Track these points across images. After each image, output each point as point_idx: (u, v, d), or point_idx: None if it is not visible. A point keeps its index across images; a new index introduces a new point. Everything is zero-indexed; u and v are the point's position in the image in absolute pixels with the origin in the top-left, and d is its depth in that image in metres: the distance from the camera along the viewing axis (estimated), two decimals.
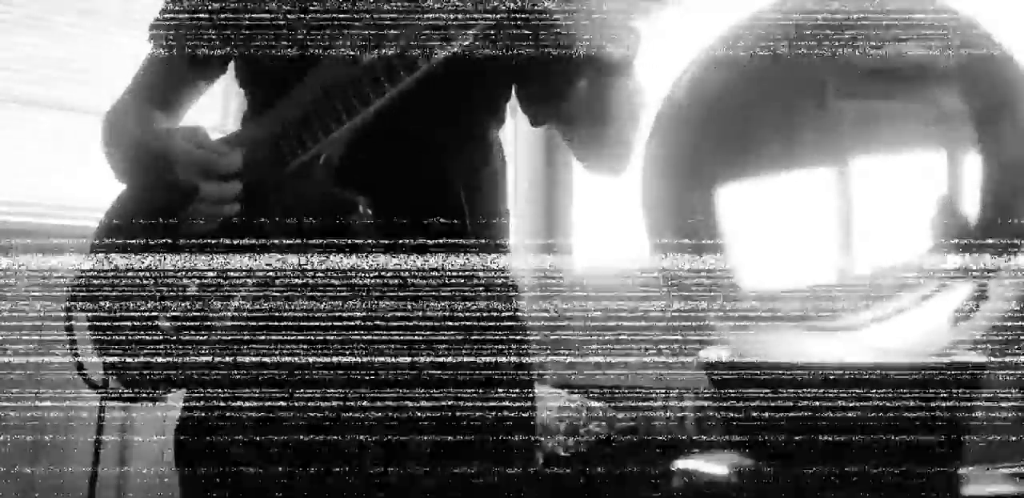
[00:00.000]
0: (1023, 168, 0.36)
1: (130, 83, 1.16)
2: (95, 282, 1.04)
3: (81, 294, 1.04)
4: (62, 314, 1.08)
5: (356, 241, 0.97)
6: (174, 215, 0.93)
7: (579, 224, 3.60)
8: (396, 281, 1.04)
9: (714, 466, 0.38)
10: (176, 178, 0.90)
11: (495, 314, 1.02)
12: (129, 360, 1.01)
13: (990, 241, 0.35)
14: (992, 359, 0.38)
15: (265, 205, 0.96)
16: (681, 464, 0.38)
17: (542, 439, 2.67)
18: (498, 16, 0.90)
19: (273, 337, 1.00)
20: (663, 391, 3.21)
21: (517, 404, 1.05)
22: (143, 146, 0.95)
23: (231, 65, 1.15)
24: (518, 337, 1.10)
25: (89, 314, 1.03)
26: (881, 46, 0.37)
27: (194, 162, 0.93)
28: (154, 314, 0.97)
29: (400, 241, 1.02)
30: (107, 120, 1.13)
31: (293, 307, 1.02)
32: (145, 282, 1.01)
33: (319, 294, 1.02)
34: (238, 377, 1.01)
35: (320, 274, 1.01)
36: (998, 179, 0.35)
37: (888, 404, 0.36)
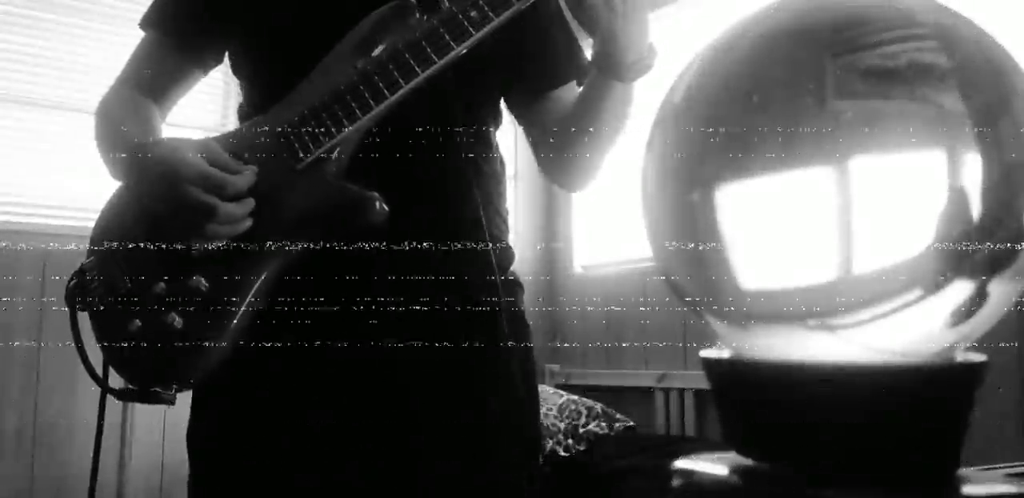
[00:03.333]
0: (1023, 167, 0.36)
1: (122, 71, 1.14)
2: (96, 281, 1.04)
3: (82, 291, 1.03)
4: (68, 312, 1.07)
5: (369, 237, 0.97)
6: (189, 234, 0.91)
7: (579, 224, 3.62)
8: (406, 277, 1.04)
9: (714, 466, 0.38)
10: (191, 199, 0.89)
11: (503, 310, 1.03)
12: (140, 359, 1.00)
13: (990, 241, 0.35)
14: (991, 359, 0.38)
15: (277, 203, 0.96)
16: (681, 464, 0.38)
17: (543, 439, 2.68)
18: (512, 11, 0.90)
19: (285, 334, 1.00)
20: (663, 391, 3.23)
21: (524, 400, 1.05)
22: (152, 160, 0.94)
23: (226, 55, 1.13)
24: (523, 335, 1.11)
25: (93, 311, 1.02)
26: (881, 46, 0.37)
27: (210, 182, 0.92)
28: (163, 311, 0.96)
29: (411, 238, 1.01)
30: (99, 114, 1.11)
31: (304, 303, 1.01)
32: (152, 281, 0.99)
33: (330, 290, 1.02)
34: (252, 373, 1.01)
35: (331, 270, 1.01)
36: (998, 178, 0.35)
37: (887, 404, 0.36)
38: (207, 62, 1.14)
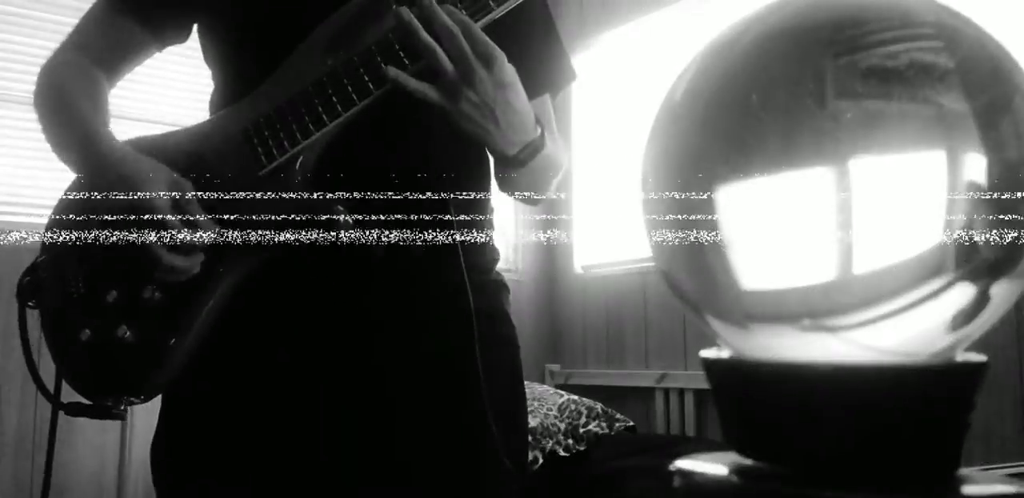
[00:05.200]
0: None
1: (74, 35, 1.08)
2: (49, 280, 0.98)
3: (34, 291, 0.97)
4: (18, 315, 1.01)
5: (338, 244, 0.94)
6: (136, 268, 0.87)
7: (579, 224, 3.62)
8: (378, 278, 1.01)
9: (714, 466, 0.38)
10: (141, 241, 0.85)
11: (481, 311, 1.00)
12: (89, 371, 0.95)
13: (991, 241, 0.35)
14: (992, 359, 0.38)
15: (238, 211, 0.92)
16: (681, 464, 0.38)
17: (540, 439, 2.68)
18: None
19: (248, 342, 0.96)
20: (663, 391, 3.23)
21: (508, 403, 1.03)
22: (120, 181, 0.89)
23: (194, 37, 1.08)
24: (507, 335, 1.08)
25: (44, 315, 0.97)
26: (881, 46, 0.37)
27: (167, 228, 0.87)
28: (114, 323, 0.92)
29: (380, 241, 0.99)
30: (49, 83, 1.04)
31: (273, 310, 0.98)
32: (105, 288, 0.94)
33: (301, 296, 0.99)
34: (209, 388, 0.97)
35: (294, 275, 0.98)
36: (999, 178, 0.35)
37: (887, 404, 0.36)
38: (166, 36, 1.08)
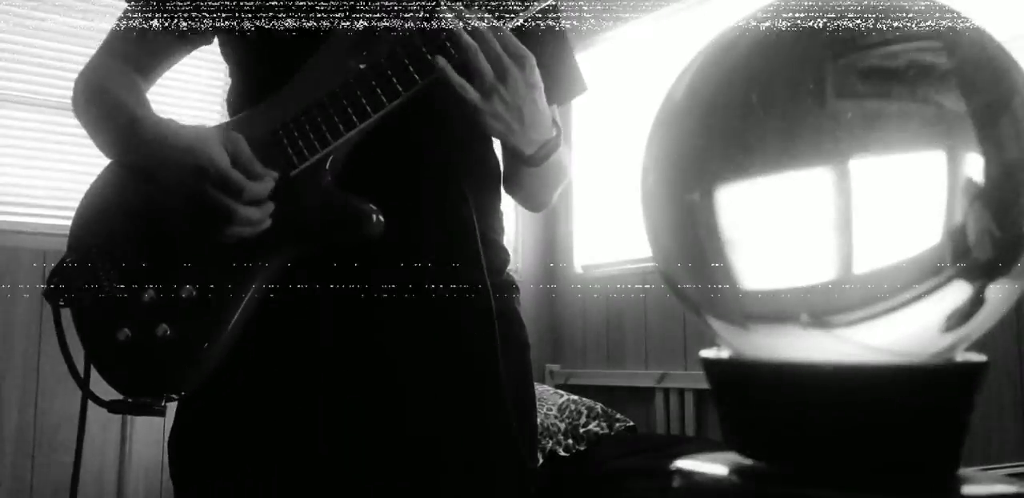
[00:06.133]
0: (1023, 167, 0.36)
1: (105, 44, 1.10)
2: (80, 280, 0.99)
3: (65, 290, 0.99)
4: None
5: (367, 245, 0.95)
6: (203, 232, 0.88)
7: (579, 224, 3.61)
8: (399, 280, 1.02)
9: (714, 466, 0.38)
10: (210, 199, 0.86)
11: (496, 312, 1.01)
12: (128, 369, 0.96)
13: (991, 241, 0.35)
14: (992, 359, 0.38)
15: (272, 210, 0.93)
16: (681, 464, 0.38)
17: (540, 439, 2.68)
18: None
19: (270, 335, 0.98)
20: (663, 391, 3.22)
21: (517, 399, 1.04)
22: (174, 148, 0.90)
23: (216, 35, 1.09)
24: (517, 335, 1.09)
25: (77, 315, 0.98)
26: (881, 46, 0.37)
27: (229, 186, 0.89)
28: (152, 321, 0.93)
29: (407, 242, 0.99)
30: (91, 85, 1.06)
31: (299, 310, 0.99)
32: (140, 288, 0.96)
33: (322, 295, 0.99)
34: (241, 385, 0.98)
35: (322, 275, 0.99)
36: (998, 178, 0.35)
37: (887, 404, 0.36)
38: (193, 41, 1.10)
